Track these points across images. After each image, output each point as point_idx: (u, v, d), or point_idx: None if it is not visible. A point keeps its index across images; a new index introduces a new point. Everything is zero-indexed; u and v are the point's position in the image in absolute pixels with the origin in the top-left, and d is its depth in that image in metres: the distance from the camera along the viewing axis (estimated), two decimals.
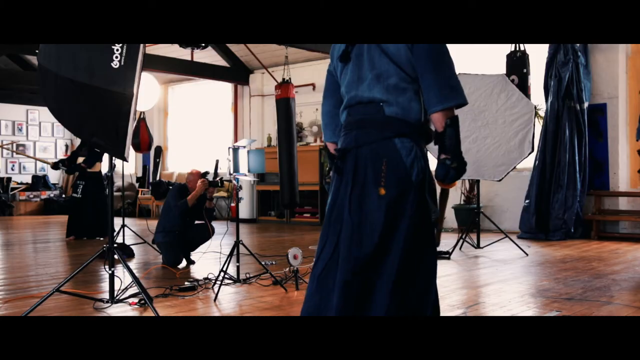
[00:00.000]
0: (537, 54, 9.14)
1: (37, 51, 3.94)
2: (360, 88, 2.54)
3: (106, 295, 4.44)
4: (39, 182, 16.08)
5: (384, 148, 2.45)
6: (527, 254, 7.07)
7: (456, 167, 2.42)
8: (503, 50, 8.79)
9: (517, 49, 8.51)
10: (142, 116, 8.43)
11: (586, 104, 8.90)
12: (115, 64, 3.81)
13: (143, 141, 8.42)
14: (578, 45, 8.90)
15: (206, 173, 6.35)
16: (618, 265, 6.26)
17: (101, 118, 3.93)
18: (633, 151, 8.97)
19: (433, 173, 2.51)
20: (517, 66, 8.42)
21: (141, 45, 3.89)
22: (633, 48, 8.93)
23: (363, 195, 2.45)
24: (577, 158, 8.80)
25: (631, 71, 8.95)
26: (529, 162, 8.67)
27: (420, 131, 2.51)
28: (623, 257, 6.84)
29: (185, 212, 6.27)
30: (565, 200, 8.79)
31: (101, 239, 8.94)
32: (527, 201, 9.13)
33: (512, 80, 7.98)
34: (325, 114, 2.83)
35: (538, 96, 9.29)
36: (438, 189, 2.58)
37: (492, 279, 5.51)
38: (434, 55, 2.43)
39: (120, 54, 3.81)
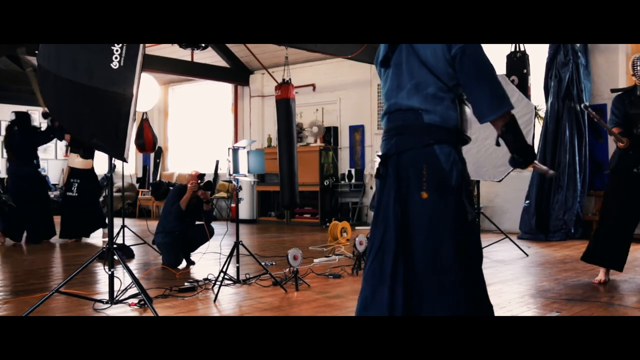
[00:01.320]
0: (537, 55, 9.14)
1: (36, 52, 3.94)
2: (400, 96, 2.66)
3: (106, 296, 4.44)
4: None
5: (424, 154, 2.58)
6: (527, 255, 7.07)
7: (524, 160, 2.67)
8: (503, 50, 8.79)
9: (517, 49, 8.51)
10: (145, 117, 8.41)
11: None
12: (114, 64, 3.80)
13: (147, 141, 8.40)
14: (578, 45, 8.90)
15: (202, 175, 6.35)
16: None
17: (101, 119, 3.92)
18: None
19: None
20: (517, 66, 8.41)
21: (141, 46, 3.89)
22: (633, 49, 8.92)
23: (406, 200, 2.59)
24: (577, 159, 8.80)
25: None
26: None
27: (457, 137, 2.64)
28: None
29: (181, 215, 6.28)
30: (565, 201, 8.79)
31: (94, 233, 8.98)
32: (527, 202, 9.13)
33: (512, 81, 7.98)
34: None
35: (538, 97, 9.29)
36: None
37: (492, 279, 5.51)
38: (480, 70, 2.57)
39: (120, 54, 3.81)
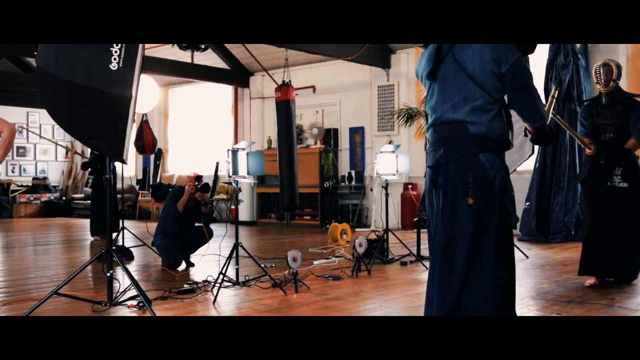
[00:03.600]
0: (537, 56, 9.13)
1: (35, 53, 3.94)
2: (445, 109, 2.85)
3: (105, 298, 4.42)
4: (39, 184, 16.08)
5: (470, 163, 2.78)
6: (527, 257, 7.05)
7: (545, 144, 3.23)
8: None
9: None
10: (144, 118, 8.39)
11: None
12: (113, 65, 3.80)
13: (147, 143, 8.37)
14: (578, 47, 8.89)
15: (200, 177, 6.33)
16: None
17: (99, 120, 3.91)
18: None
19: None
20: None
21: (140, 47, 3.88)
22: (633, 50, 8.91)
23: (454, 206, 2.79)
24: (577, 160, 8.78)
25: (631, 73, 8.94)
26: (529, 164, 8.65)
27: (501, 145, 2.84)
28: None
29: (179, 217, 6.26)
30: (565, 202, 8.77)
31: (97, 238, 8.97)
32: (527, 203, 9.12)
33: None
34: None
35: None
36: None
37: None
38: (528, 86, 2.84)
39: (119, 55, 3.80)
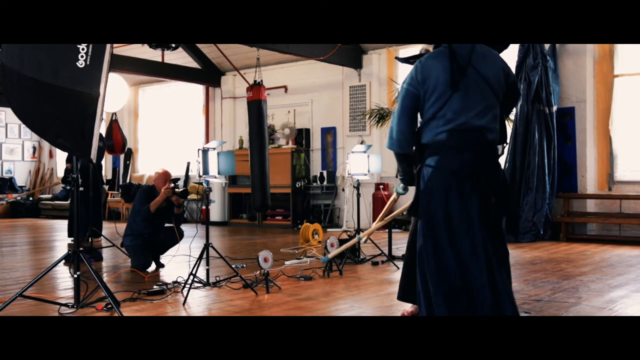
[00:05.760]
0: (507, 58, 9.22)
1: None
2: (470, 116, 3.04)
3: (72, 300, 4.34)
4: (5, 184, 15.77)
5: (495, 167, 3.12)
6: None
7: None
8: None
9: None
10: (114, 118, 8.27)
11: (555, 108, 9.02)
12: (80, 63, 3.73)
13: (117, 143, 8.24)
14: (547, 49, 9.01)
15: (176, 180, 6.25)
16: (586, 266, 6.34)
17: (66, 119, 3.84)
18: (601, 154, 9.11)
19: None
20: None
21: (108, 45, 3.82)
22: (600, 53, 9.07)
23: (484, 206, 3.04)
24: (546, 161, 8.91)
25: (598, 75, 9.09)
26: None
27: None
28: (591, 259, 6.93)
29: (149, 217, 6.17)
30: (534, 202, 8.88)
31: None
32: None
33: None
34: (407, 132, 3.21)
35: None
36: None
37: None
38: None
39: (86, 53, 3.74)
